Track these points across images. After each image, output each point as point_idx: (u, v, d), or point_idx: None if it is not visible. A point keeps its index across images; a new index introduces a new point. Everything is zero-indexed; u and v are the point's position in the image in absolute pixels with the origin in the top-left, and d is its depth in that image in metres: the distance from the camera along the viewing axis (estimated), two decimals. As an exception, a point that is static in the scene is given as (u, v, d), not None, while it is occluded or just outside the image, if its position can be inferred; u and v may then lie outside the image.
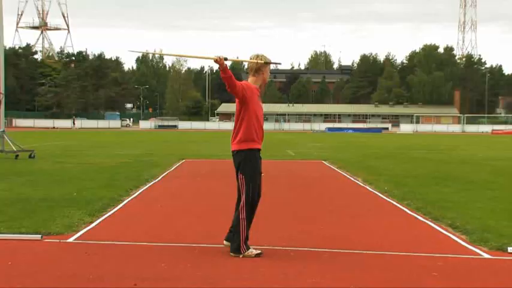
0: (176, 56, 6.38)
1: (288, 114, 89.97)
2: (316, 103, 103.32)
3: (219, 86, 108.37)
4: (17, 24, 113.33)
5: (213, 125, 77.34)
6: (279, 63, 4.90)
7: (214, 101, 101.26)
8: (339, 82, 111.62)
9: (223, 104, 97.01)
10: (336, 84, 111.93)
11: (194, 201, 7.43)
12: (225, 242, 4.67)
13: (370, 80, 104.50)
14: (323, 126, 72.33)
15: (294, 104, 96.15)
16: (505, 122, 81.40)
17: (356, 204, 7.30)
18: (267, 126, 67.65)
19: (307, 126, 76.32)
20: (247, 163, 4.38)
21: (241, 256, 4.36)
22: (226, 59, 4.03)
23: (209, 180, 10.15)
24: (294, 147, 23.19)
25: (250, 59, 4.49)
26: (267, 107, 79.23)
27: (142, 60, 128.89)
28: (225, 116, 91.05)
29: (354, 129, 65.09)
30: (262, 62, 4.39)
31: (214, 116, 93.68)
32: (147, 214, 6.37)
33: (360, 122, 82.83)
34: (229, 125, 75.12)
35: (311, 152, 19.72)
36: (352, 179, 10.53)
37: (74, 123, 65.85)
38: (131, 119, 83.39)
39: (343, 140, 33.36)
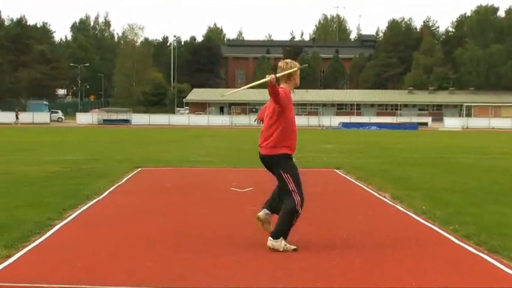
0: (238, 90, 6.79)
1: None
2: (325, 88, 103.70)
3: (190, 63, 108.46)
4: None
5: (181, 118, 77.25)
6: (306, 65, 7.01)
7: (183, 86, 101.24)
8: (357, 59, 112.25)
9: (194, 90, 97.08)
10: (354, 61, 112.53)
11: (155, 228, 7.43)
12: (263, 212, 6.53)
13: (401, 55, 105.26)
14: (336, 120, 72.57)
15: (295, 90, 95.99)
16: None
17: (382, 231, 7.37)
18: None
19: (313, 120, 76.44)
20: (287, 163, 6.27)
21: (279, 243, 6.11)
22: (276, 77, 6.04)
23: (177, 196, 10.16)
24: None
25: (279, 67, 6.44)
26: (256, 94, 79.33)
27: (80, 27, 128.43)
28: (198, 107, 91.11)
29: (379, 125, 65.47)
30: (296, 68, 6.43)
31: (183, 107, 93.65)
32: (88, 245, 6.38)
33: (388, 115, 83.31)
34: (204, 120, 75.04)
35: (319, 156, 19.80)
36: (376, 194, 10.63)
37: (17, 118, 65.60)
38: (58, 111, 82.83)
39: (363, 141, 33.51)
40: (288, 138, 6.24)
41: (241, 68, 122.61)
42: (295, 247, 6.13)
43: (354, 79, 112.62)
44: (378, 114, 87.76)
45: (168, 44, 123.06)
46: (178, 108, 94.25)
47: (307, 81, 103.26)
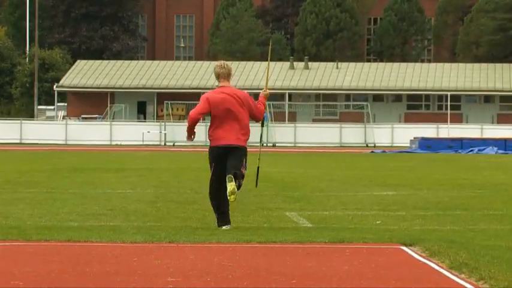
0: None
1: (289, 93, 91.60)
2: (380, 59, 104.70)
3: (69, 5, 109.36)
4: None
5: (49, 129, 77.80)
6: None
7: (53, 53, 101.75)
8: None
9: (80, 64, 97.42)
10: (445, 2, 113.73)
11: None
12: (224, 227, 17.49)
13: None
14: (404, 133, 73.56)
15: (311, 64, 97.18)
16: None
17: None
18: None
19: (351, 133, 77.65)
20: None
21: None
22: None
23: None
24: (309, 198, 23.67)
25: (215, 67, 17.59)
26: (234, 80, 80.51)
27: None
28: (88, 102, 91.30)
29: (504, 144, 66.25)
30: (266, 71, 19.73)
31: (53, 104, 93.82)
32: None
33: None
34: (101, 132, 75.67)
35: (367, 216, 20.20)
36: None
37: None
38: None
39: (468, 180, 33.80)
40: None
41: (187, 11, 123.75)
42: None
43: (445, 40, 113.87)
44: (501, 118, 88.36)
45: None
46: (42, 107, 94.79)
47: (339, 44, 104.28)
